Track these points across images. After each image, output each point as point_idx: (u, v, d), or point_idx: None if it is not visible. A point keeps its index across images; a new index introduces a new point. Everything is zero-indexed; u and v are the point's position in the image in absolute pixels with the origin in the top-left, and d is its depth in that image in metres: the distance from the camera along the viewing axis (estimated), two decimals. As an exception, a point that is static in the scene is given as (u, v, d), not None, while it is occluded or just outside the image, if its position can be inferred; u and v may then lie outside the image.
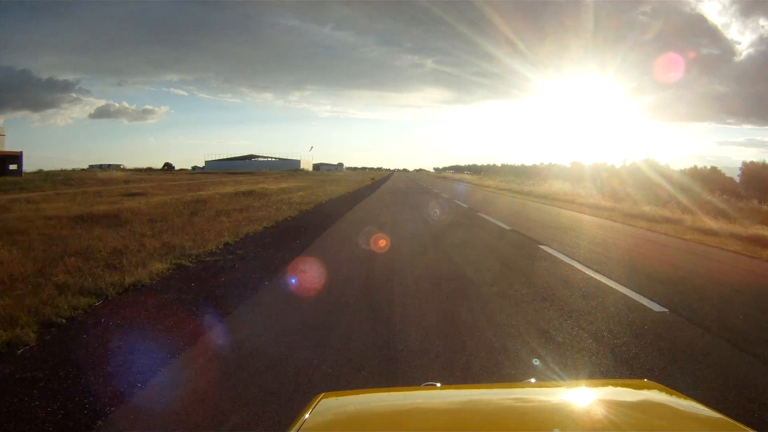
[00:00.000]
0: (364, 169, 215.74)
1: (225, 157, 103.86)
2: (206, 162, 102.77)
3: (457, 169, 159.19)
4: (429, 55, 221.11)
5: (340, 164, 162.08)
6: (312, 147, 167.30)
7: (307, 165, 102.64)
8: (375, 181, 44.41)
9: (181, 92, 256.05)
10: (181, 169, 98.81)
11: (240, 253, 7.18)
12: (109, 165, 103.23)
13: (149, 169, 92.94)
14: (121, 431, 2.47)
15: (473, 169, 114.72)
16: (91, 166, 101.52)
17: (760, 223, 10.84)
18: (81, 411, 2.61)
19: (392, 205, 16.36)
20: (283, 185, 28.59)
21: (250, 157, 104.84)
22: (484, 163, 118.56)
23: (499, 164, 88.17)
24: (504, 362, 3.34)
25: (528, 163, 74.09)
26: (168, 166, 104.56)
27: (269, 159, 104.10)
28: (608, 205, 16.18)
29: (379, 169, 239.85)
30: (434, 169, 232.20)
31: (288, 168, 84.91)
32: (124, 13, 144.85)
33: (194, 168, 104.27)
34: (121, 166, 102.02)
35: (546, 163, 58.08)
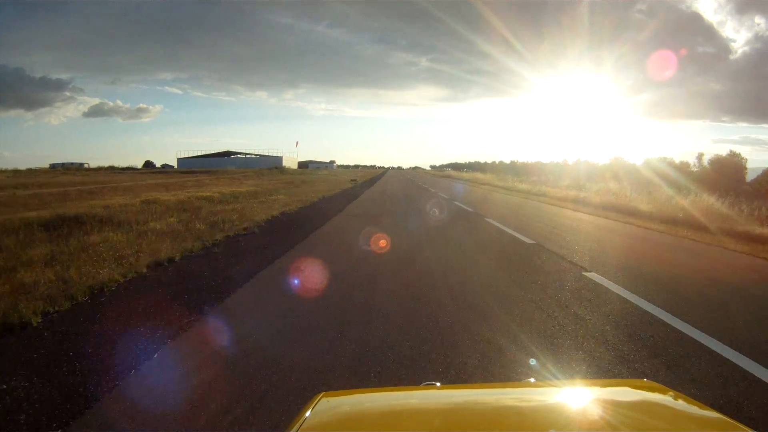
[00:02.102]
0: (356, 167, 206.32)
1: (199, 154, 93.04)
2: (179, 159, 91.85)
3: (455, 166, 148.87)
4: (424, 53, 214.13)
5: (331, 162, 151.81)
6: (297, 143, 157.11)
7: (290, 162, 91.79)
8: (356, 184, 31.72)
9: (176, 90, 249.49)
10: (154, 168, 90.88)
11: None
12: (72, 163, 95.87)
13: (111, 168, 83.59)
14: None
15: (474, 167, 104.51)
16: (53, 165, 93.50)
17: None
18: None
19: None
20: (208, 193, 18.24)
21: (227, 153, 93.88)
22: (480, 161, 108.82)
23: (507, 161, 78.09)
24: None
25: (529, 160, 64.68)
26: (149, 164, 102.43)
27: (249, 156, 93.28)
28: None
29: (373, 166, 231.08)
30: (431, 166, 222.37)
31: (268, 165, 74.30)
32: (118, 11, 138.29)
33: (164, 166, 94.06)
34: (85, 165, 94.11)
35: (569, 160, 48.25)
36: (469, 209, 14.95)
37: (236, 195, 17.66)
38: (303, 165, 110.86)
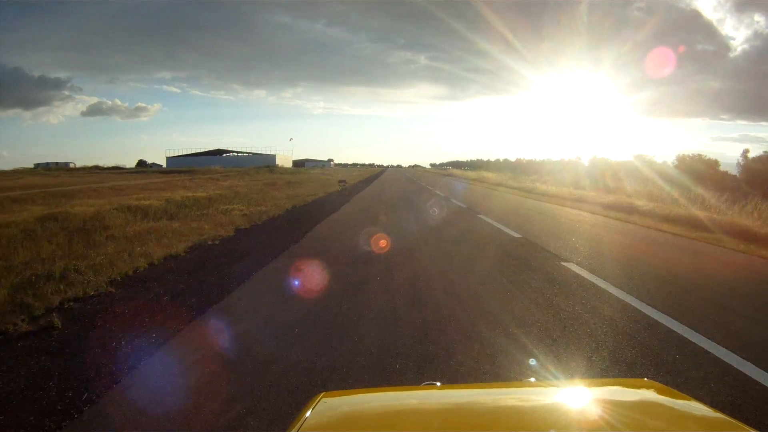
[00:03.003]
0: (354, 165, 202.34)
1: (189, 153, 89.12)
2: (168, 158, 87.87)
3: (456, 164, 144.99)
4: (422, 51, 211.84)
5: (329, 160, 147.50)
6: (291, 138, 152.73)
7: (284, 161, 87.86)
8: (346, 187, 26.81)
9: (174, 89, 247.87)
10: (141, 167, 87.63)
11: None
12: (56, 163, 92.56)
13: (96, 167, 79.81)
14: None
15: (476, 165, 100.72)
16: (37, 165, 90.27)
17: None
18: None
19: None
20: (151, 200, 14.44)
21: (218, 152, 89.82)
22: (482, 159, 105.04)
23: (511, 159, 74.21)
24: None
25: (536, 157, 61.14)
26: (142, 164, 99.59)
27: (241, 154, 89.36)
28: None
29: (372, 165, 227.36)
30: (430, 165, 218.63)
31: (261, 164, 70.45)
32: (116, 11, 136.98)
33: (152, 165, 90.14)
34: (70, 165, 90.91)
35: (582, 158, 44.57)
36: (515, 234, 9.19)
37: (184, 203, 13.87)
38: (299, 163, 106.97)
